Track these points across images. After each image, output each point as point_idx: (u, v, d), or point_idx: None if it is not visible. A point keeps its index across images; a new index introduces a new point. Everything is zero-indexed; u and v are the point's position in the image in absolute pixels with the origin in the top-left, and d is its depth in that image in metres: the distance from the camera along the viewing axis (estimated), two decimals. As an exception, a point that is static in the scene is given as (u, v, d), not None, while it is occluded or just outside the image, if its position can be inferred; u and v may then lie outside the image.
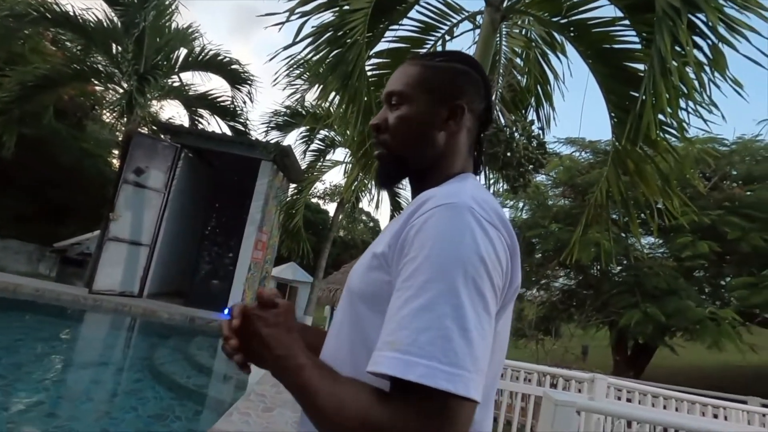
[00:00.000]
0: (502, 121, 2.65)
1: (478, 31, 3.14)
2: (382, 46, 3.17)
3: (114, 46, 8.73)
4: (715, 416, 3.80)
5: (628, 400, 3.97)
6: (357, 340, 0.62)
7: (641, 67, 2.61)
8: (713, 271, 10.27)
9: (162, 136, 9.17)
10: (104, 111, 14.37)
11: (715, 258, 9.14)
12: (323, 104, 3.10)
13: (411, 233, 0.56)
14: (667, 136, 2.57)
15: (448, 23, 3.18)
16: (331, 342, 0.69)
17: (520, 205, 11.71)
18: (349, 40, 2.35)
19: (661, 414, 3.49)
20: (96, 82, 9.65)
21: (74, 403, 3.50)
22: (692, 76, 2.14)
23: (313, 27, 2.42)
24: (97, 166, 15.16)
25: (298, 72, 2.78)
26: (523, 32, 3.54)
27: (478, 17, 3.19)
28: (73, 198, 14.62)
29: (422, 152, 0.72)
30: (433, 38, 3.24)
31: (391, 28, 3.10)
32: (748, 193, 9.46)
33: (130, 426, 3.20)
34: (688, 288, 9.05)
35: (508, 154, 2.31)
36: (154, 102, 10.65)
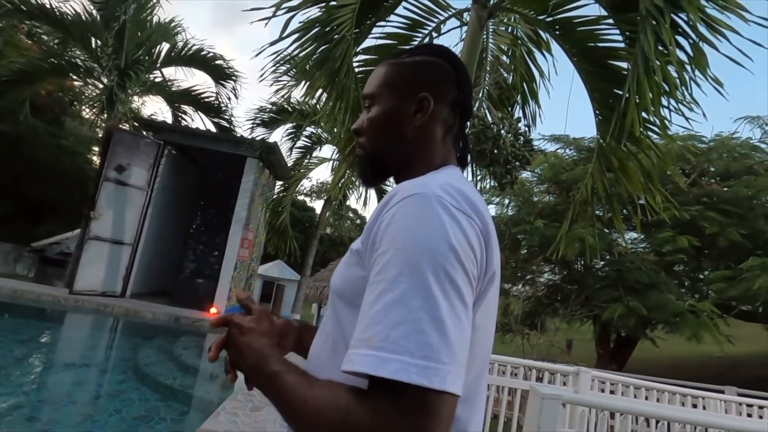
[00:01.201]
0: (489, 118, 2.67)
1: (465, 28, 3.15)
2: (369, 42, 3.17)
3: (93, 40, 8.49)
4: (695, 406, 3.91)
5: (612, 392, 4.07)
6: (338, 338, 0.62)
7: (624, 65, 2.66)
8: (692, 265, 10.56)
9: (144, 133, 8.98)
10: (83, 107, 14.00)
11: (694, 252, 9.39)
12: (310, 101, 3.07)
13: (381, 227, 0.56)
14: (649, 133, 2.63)
15: (435, 20, 3.18)
16: (316, 341, 0.69)
17: (506, 201, 11.83)
18: (336, 36, 2.33)
19: (643, 405, 3.58)
20: (74, 77, 9.38)
21: (56, 406, 3.42)
22: (674, 74, 2.19)
23: (300, 22, 2.39)
24: (77, 164, 14.79)
25: (284, 68, 2.75)
26: (510, 30, 3.56)
27: (465, 14, 3.20)
28: (52, 196, 14.25)
29: (394, 149, 0.73)
30: (420, 35, 3.24)
31: (378, 24, 3.09)
32: (726, 189, 9.74)
33: (114, 428, 3.14)
34: (669, 282, 9.28)
35: (495, 151, 2.33)
36: (136, 98, 10.41)
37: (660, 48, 2.00)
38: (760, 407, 3.94)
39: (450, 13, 3.16)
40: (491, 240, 0.58)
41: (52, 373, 4.41)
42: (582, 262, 10.58)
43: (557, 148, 11.57)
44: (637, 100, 2.07)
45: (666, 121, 2.40)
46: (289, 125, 9.67)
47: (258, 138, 8.99)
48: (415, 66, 0.75)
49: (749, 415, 3.92)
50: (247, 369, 0.59)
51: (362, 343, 0.49)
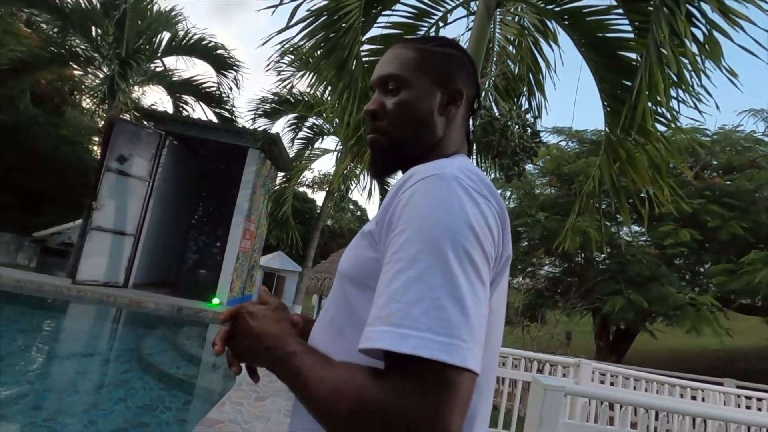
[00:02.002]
0: (496, 109, 2.65)
1: (472, 18, 3.11)
2: (374, 32, 3.13)
3: (93, 28, 8.41)
4: (693, 398, 3.95)
5: (612, 384, 4.09)
6: (345, 322, 0.61)
7: (634, 56, 2.63)
8: (693, 259, 10.58)
9: (145, 123, 8.93)
10: (84, 96, 13.91)
11: (696, 246, 9.40)
12: (315, 91, 3.04)
13: (398, 207, 0.55)
14: (657, 125, 2.60)
15: (442, 9, 3.14)
16: (318, 327, 0.68)
17: (508, 194, 11.81)
18: (344, 25, 2.30)
19: (643, 397, 3.61)
20: (75, 66, 9.30)
21: (60, 395, 3.44)
22: (687, 65, 2.16)
23: (307, 11, 2.36)
24: (77, 154, 14.72)
25: (289, 59, 2.72)
26: (517, 20, 3.52)
27: (473, 3, 3.16)
28: (52, 186, 14.21)
29: (422, 138, 0.71)
30: (426, 24, 3.20)
31: (384, 13, 3.05)
32: (728, 182, 9.71)
33: (118, 417, 3.16)
34: (670, 275, 9.30)
35: (503, 142, 2.32)
36: (137, 87, 10.34)
37: (674, 38, 1.97)
38: (759, 399, 3.97)
39: (457, 2, 3.12)
40: (507, 224, 0.59)
41: (56, 362, 4.43)
42: (583, 254, 10.59)
43: (559, 141, 11.53)
44: (648, 92, 2.04)
45: (675, 113, 2.38)
46: (291, 116, 9.62)
47: (260, 129, 8.95)
48: (447, 57, 0.73)
49: (747, 407, 3.96)
50: (263, 352, 0.58)
51: (380, 320, 0.48)
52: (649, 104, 2.22)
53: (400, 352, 0.45)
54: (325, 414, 0.48)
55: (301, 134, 10.11)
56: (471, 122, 0.80)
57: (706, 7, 1.95)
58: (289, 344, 0.56)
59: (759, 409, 3.97)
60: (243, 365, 0.65)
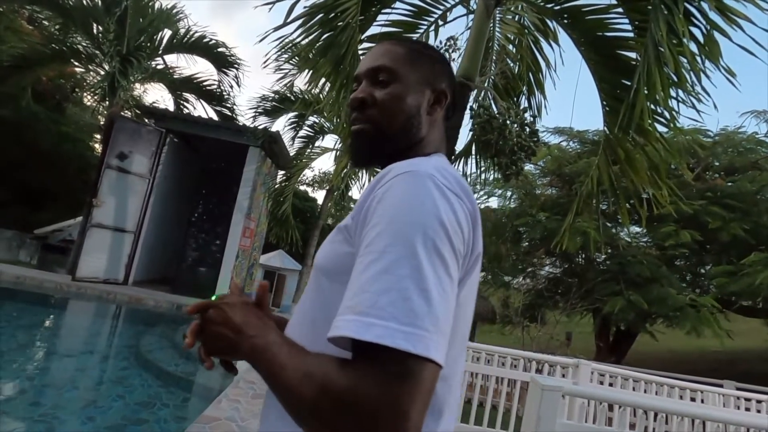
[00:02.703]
0: (495, 108, 2.64)
1: (471, 16, 3.10)
2: (373, 30, 3.12)
3: (95, 25, 8.42)
4: (693, 399, 3.93)
5: (611, 385, 4.08)
6: (319, 315, 0.62)
7: (634, 55, 2.61)
8: (694, 260, 10.54)
9: (146, 121, 8.94)
10: (85, 93, 13.92)
11: (697, 247, 9.37)
12: (313, 89, 3.03)
13: (373, 203, 0.57)
14: (657, 125, 2.59)
15: (442, 7, 3.13)
16: (294, 320, 0.69)
17: (508, 194, 11.78)
18: (341, 23, 2.29)
19: (642, 398, 3.59)
20: (76, 63, 9.32)
21: (59, 391, 3.45)
22: (685, 65, 2.14)
23: (304, 8, 2.35)
24: (78, 151, 14.75)
25: (287, 55, 2.71)
26: (517, 18, 3.50)
27: (472, 2, 3.15)
28: (53, 183, 14.24)
29: (409, 133, 0.71)
30: (426, 23, 3.19)
31: (383, 11, 3.04)
32: (730, 184, 9.67)
33: (116, 414, 3.17)
34: (670, 276, 9.27)
35: (501, 141, 2.31)
36: (138, 85, 10.35)
37: (672, 37, 1.96)
38: (758, 401, 3.96)
39: (457, 0, 3.11)
40: (478, 223, 0.60)
41: (55, 359, 4.44)
42: (583, 255, 10.57)
43: (560, 141, 11.49)
44: (647, 91, 2.03)
45: (674, 113, 2.37)
46: (291, 114, 9.61)
47: (260, 127, 8.94)
48: (435, 61, 0.76)
49: (747, 409, 3.94)
50: (244, 340, 0.57)
51: (349, 309, 0.49)
52: (648, 104, 2.21)
53: (365, 340, 0.46)
54: (293, 401, 0.49)
55: (302, 132, 10.10)
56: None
57: (705, 5, 1.94)
58: (268, 335, 0.56)
59: (758, 411, 3.95)
60: (216, 361, 0.65)
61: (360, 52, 2.61)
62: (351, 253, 0.59)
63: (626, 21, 2.61)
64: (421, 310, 0.47)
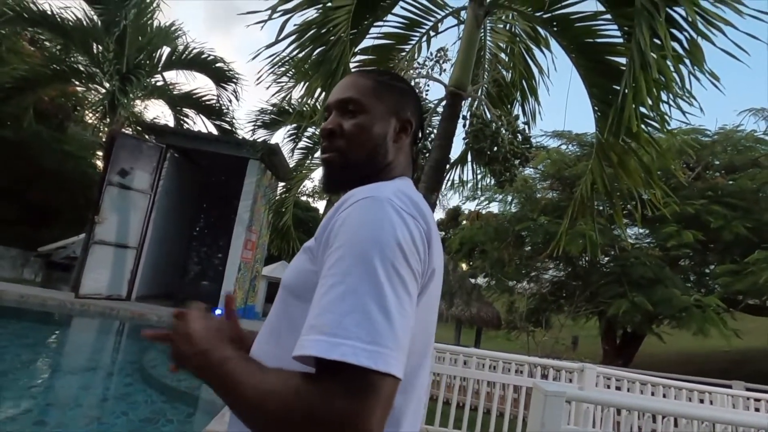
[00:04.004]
0: (488, 116, 2.66)
1: (462, 27, 3.14)
2: (367, 42, 3.16)
3: (94, 45, 8.54)
4: (701, 401, 3.88)
5: (618, 388, 4.03)
6: (284, 332, 0.65)
7: (623, 60, 2.64)
8: (698, 260, 10.48)
9: (147, 137, 9.02)
10: (86, 112, 14.08)
11: (700, 247, 9.32)
12: (309, 102, 3.07)
13: (336, 226, 0.60)
14: (649, 128, 2.61)
15: (433, 19, 3.17)
16: (260, 336, 0.72)
17: (509, 198, 11.79)
18: (332, 38, 2.33)
19: (648, 401, 3.55)
20: (77, 82, 9.44)
21: (63, 409, 3.44)
22: (671, 69, 2.17)
23: (295, 25, 2.40)
24: (81, 168, 14.86)
25: (282, 70, 2.76)
26: (507, 27, 3.54)
27: (462, 13, 3.19)
28: (57, 201, 14.34)
29: (375, 160, 0.75)
30: (417, 34, 3.23)
31: (375, 24, 3.09)
32: (730, 182, 9.66)
33: (120, 430, 3.16)
34: (674, 277, 9.22)
35: (494, 149, 2.33)
36: (138, 102, 10.46)
37: (656, 42, 1.98)
38: (768, 401, 3.90)
39: (447, 11, 3.15)
40: (433, 241, 0.63)
41: (59, 376, 4.44)
42: (586, 258, 10.53)
43: (559, 144, 11.52)
44: (634, 95, 2.05)
45: (666, 116, 2.39)
46: (290, 126, 9.68)
47: (259, 140, 9.01)
48: (401, 90, 0.80)
49: (757, 410, 3.89)
50: (195, 355, 0.60)
51: (314, 329, 0.52)
52: (638, 107, 2.23)
53: (331, 359, 0.49)
54: (256, 417, 0.51)
55: (301, 144, 10.14)
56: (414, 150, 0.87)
57: (680, 10, 1.96)
58: (223, 350, 0.58)
59: (768, 412, 3.90)
60: None
61: (352, 65, 2.65)
62: (315, 271, 0.62)
63: (614, 27, 2.64)
64: (382, 329, 0.51)
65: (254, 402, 0.51)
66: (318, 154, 10.49)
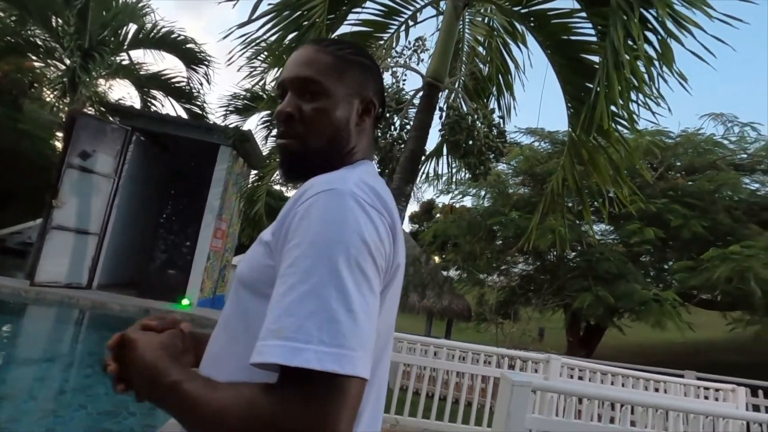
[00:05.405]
0: (464, 109, 2.66)
1: (441, 18, 3.12)
2: (344, 29, 3.10)
3: (54, 18, 8.03)
4: (657, 390, 4.09)
5: (580, 378, 4.20)
6: (239, 328, 0.62)
7: (596, 59, 2.69)
8: (657, 256, 10.99)
9: (111, 118, 8.60)
10: (44, 89, 13.28)
11: (660, 243, 9.77)
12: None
13: (295, 220, 0.56)
14: (618, 127, 2.68)
15: (412, 8, 3.14)
16: (216, 331, 0.67)
17: (482, 193, 11.97)
18: (307, 22, 2.26)
19: (608, 390, 3.72)
20: (34, 57, 8.87)
21: (15, 402, 3.27)
22: (642, 69, 2.23)
23: (269, 5, 2.30)
24: (38, 149, 14.05)
25: (255, 51, 2.66)
26: (486, 21, 3.55)
27: (442, 3, 3.17)
28: (11, 183, 13.53)
29: (337, 147, 0.70)
30: (396, 23, 3.19)
31: (353, 10, 3.02)
32: (690, 183, 10.14)
33: (79, 424, 3.04)
34: (635, 272, 9.64)
35: (470, 142, 2.33)
36: (102, 81, 9.93)
37: (630, 42, 2.03)
38: (716, 390, 4.16)
39: (426, 1, 3.12)
40: (398, 235, 0.61)
41: (12, 368, 4.21)
42: (555, 253, 10.85)
43: (532, 141, 11.76)
44: (606, 93, 2.10)
45: (634, 116, 2.46)
46: (264, 113, 9.44)
47: (231, 125, 8.74)
48: (363, 67, 0.74)
49: (706, 398, 4.13)
50: (144, 383, 0.56)
51: (273, 334, 0.49)
52: (610, 106, 2.28)
53: (294, 366, 0.46)
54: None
55: (275, 131, 9.94)
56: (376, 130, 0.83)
57: (653, 12, 2.01)
58: (170, 374, 0.54)
59: (717, 399, 4.15)
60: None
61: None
62: (272, 266, 0.58)
63: (590, 26, 2.69)
64: (348, 331, 0.48)
65: (213, 422, 0.48)
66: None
